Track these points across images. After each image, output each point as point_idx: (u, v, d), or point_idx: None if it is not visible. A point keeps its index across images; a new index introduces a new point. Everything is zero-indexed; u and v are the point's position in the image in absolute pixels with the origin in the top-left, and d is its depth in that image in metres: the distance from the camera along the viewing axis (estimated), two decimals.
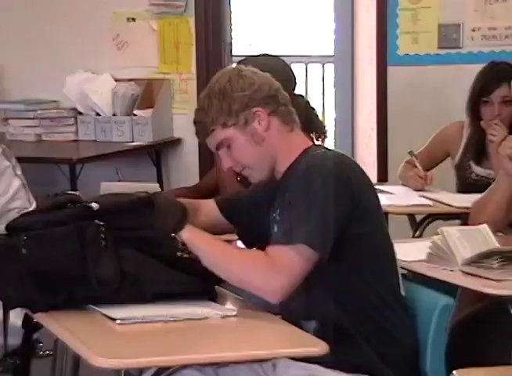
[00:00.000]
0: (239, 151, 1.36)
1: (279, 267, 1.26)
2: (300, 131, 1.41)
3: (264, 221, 1.40)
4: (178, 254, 1.30)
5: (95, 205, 1.31)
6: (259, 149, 1.36)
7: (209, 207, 1.48)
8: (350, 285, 1.30)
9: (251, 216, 1.44)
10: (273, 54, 2.05)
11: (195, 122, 1.39)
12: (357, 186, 1.31)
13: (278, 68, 1.99)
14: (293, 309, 1.32)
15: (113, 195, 1.41)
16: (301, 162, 1.35)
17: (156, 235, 1.31)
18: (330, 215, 1.28)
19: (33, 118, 3.08)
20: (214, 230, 1.40)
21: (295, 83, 1.97)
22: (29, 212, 1.48)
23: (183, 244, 1.32)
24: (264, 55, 2.02)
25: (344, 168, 1.32)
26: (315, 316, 1.32)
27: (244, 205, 1.46)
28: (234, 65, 2.87)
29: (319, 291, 1.31)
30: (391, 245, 1.37)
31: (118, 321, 1.23)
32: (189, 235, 1.29)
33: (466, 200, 2.01)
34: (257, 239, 1.42)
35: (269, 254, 1.27)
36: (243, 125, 1.35)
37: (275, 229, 1.37)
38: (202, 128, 1.38)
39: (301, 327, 1.27)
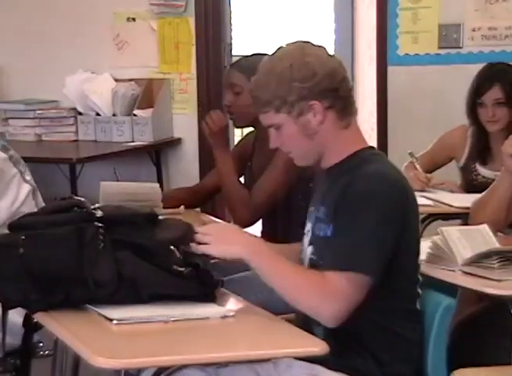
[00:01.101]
0: (288, 139, 1.34)
1: (339, 295, 1.25)
2: (356, 127, 1.36)
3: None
4: (174, 267, 1.30)
5: (99, 212, 1.32)
6: (308, 142, 1.33)
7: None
8: (373, 300, 1.29)
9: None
10: (265, 53, 2.07)
11: (250, 93, 1.36)
12: (407, 212, 1.31)
13: None
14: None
15: (118, 207, 1.43)
16: (353, 169, 1.30)
17: (154, 245, 1.31)
18: (385, 241, 1.27)
19: (33, 118, 3.08)
20: None
21: None
22: (32, 213, 1.48)
23: (183, 256, 1.32)
24: (256, 54, 2.03)
25: (398, 191, 1.30)
26: None
27: None
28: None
29: None
30: (419, 265, 1.36)
31: (115, 321, 1.23)
32: (252, 256, 1.27)
33: (467, 200, 2.00)
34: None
35: (329, 281, 1.25)
36: (297, 116, 1.32)
37: (316, 226, 1.34)
38: (256, 102, 1.35)
39: (312, 333, 1.27)
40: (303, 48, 1.34)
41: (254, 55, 2.05)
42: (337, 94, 1.33)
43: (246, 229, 1.94)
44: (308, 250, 1.38)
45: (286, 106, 1.31)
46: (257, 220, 1.96)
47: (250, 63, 2.01)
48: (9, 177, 1.67)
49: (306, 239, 1.39)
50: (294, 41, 1.38)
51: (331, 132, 1.34)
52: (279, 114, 1.33)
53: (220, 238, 1.31)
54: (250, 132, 2.08)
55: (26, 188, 1.70)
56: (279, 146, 1.37)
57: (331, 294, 1.26)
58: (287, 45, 1.38)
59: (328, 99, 1.32)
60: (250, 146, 2.05)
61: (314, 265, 1.35)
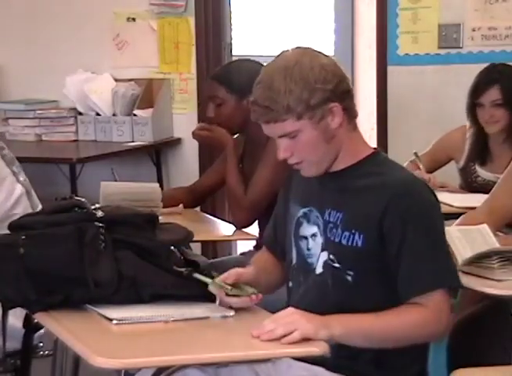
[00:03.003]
0: (306, 146, 1.27)
1: (441, 316, 1.24)
2: (358, 128, 1.34)
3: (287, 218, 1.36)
4: (174, 267, 1.30)
5: (100, 213, 1.31)
6: (326, 146, 1.29)
7: (270, 263, 1.41)
8: (384, 302, 1.27)
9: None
10: (247, 59, 2.08)
11: (256, 103, 1.25)
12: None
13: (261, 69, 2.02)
14: (309, 308, 1.28)
15: (119, 207, 1.42)
16: (377, 175, 1.28)
17: (155, 246, 1.30)
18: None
19: (33, 118, 3.08)
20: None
21: None
22: (33, 213, 1.49)
23: (182, 258, 1.31)
24: (233, 62, 2.05)
25: (435, 197, 1.31)
26: None
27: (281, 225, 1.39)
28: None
29: (348, 304, 1.27)
30: None
31: (115, 321, 1.23)
32: (342, 332, 1.20)
33: (467, 200, 2.01)
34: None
35: (426, 307, 1.23)
36: (318, 121, 1.26)
37: (328, 230, 1.29)
38: (268, 112, 1.25)
39: None
40: (311, 51, 1.30)
41: (230, 63, 2.07)
42: (351, 95, 1.31)
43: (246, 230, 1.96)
44: (323, 255, 1.31)
45: (308, 112, 1.25)
46: (254, 220, 1.96)
47: (229, 73, 2.02)
48: (1, 176, 1.65)
49: (311, 243, 1.33)
50: (294, 47, 1.31)
51: (345, 135, 1.31)
52: (299, 121, 1.26)
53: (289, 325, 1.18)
54: (239, 135, 2.08)
55: (19, 189, 1.68)
56: (288, 157, 1.29)
57: (437, 318, 1.23)
58: (286, 51, 1.30)
59: (345, 101, 1.29)
60: (240, 148, 2.05)
61: (330, 268, 1.30)
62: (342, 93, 1.30)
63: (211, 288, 1.29)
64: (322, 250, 1.32)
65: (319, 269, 1.32)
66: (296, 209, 1.36)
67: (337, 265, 1.30)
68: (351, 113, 1.32)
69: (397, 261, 1.26)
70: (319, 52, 1.31)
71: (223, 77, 2.01)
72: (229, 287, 1.28)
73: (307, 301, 1.32)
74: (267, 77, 1.28)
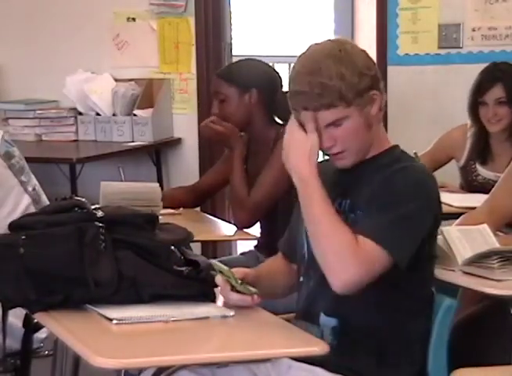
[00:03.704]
0: (351, 133, 1.26)
1: (366, 261, 1.20)
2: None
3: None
4: (175, 267, 1.30)
5: (100, 212, 1.31)
6: (366, 134, 1.28)
7: (280, 269, 1.41)
8: (389, 300, 1.27)
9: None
10: (249, 59, 2.10)
11: (301, 91, 1.22)
12: (439, 211, 1.30)
13: (267, 68, 2.04)
14: (316, 300, 1.29)
15: (119, 208, 1.41)
16: (391, 166, 1.27)
17: (155, 246, 1.30)
18: (418, 232, 1.24)
19: (33, 118, 3.08)
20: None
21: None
22: (33, 213, 1.48)
23: (182, 258, 1.30)
24: (238, 61, 2.07)
25: (436, 190, 1.30)
26: (338, 316, 1.28)
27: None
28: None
29: (356, 294, 1.25)
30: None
31: (115, 321, 1.23)
32: (308, 175, 1.20)
33: (467, 200, 2.00)
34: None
35: (362, 244, 1.20)
36: (363, 107, 1.26)
37: (351, 218, 1.27)
38: (319, 99, 1.22)
39: (312, 320, 1.25)
40: (348, 40, 1.32)
41: (238, 61, 2.09)
42: (383, 86, 1.31)
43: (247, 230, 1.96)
44: None
45: (357, 97, 1.24)
46: (256, 221, 1.96)
47: (232, 69, 2.04)
48: (7, 188, 1.64)
49: None
50: (325, 39, 1.30)
51: (377, 125, 1.31)
52: (349, 107, 1.24)
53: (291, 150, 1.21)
54: (243, 135, 2.08)
55: (26, 200, 1.66)
56: (332, 146, 1.27)
57: (359, 256, 1.19)
58: (317, 44, 1.28)
59: (380, 89, 1.30)
60: (244, 149, 2.05)
61: None
62: (379, 81, 1.30)
63: (218, 279, 1.29)
64: None
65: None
66: None
67: None
68: (383, 104, 1.32)
69: (368, 212, 1.25)
70: (352, 42, 1.33)
71: (226, 72, 2.02)
72: (239, 281, 1.27)
73: (315, 293, 1.32)
74: (312, 63, 1.24)
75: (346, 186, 1.33)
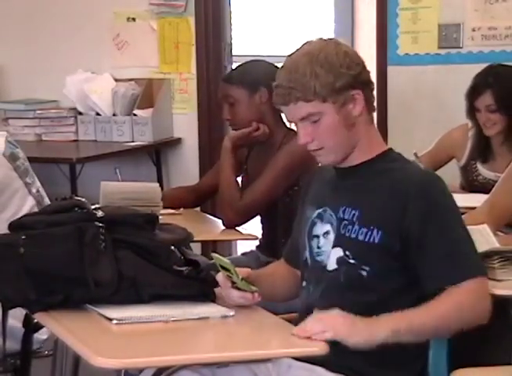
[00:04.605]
0: (328, 130, 1.29)
1: (475, 297, 1.24)
2: (374, 125, 1.35)
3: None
4: (174, 267, 1.30)
5: (100, 212, 1.31)
6: (346, 133, 1.30)
7: (283, 272, 1.42)
8: (390, 302, 1.27)
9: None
10: (254, 60, 2.10)
11: (281, 86, 1.27)
12: None
13: (270, 66, 2.04)
14: (317, 305, 1.30)
15: (119, 208, 1.43)
16: (391, 171, 1.29)
17: (155, 246, 1.30)
18: (469, 236, 1.29)
19: (33, 118, 3.08)
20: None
21: None
22: (33, 213, 1.49)
23: (182, 258, 1.31)
24: (244, 63, 2.06)
25: (447, 188, 1.33)
26: None
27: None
28: (234, 65, 2.88)
29: (358, 299, 1.27)
30: None
31: (115, 321, 1.23)
32: (387, 331, 1.20)
33: (467, 200, 2.00)
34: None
35: (462, 293, 1.23)
36: (340, 105, 1.28)
37: (342, 227, 1.29)
38: (292, 93, 1.26)
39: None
40: (334, 40, 1.33)
41: (241, 64, 2.08)
42: (371, 87, 1.33)
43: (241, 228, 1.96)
44: (334, 251, 1.31)
45: (333, 95, 1.27)
46: (244, 222, 1.96)
47: (237, 71, 2.04)
48: (11, 190, 1.64)
49: (322, 240, 1.33)
50: (317, 38, 1.34)
51: (363, 126, 1.32)
52: (323, 104, 1.27)
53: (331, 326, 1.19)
54: None
55: (30, 201, 1.66)
56: (308, 142, 1.30)
57: (470, 299, 1.24)
58: (309, 42, 1.33)
59: (366, 90, 1.31)
60: (245, 148, 2.05)
61: (345, 264, 1.30)
62: (364, 82, 1.31)
63: (219, 276, 1.29)
64: (334, 246, 1.32)
65: (331, 266, 1.32)
66: (311, 211, 1.38)
67: (352, 261, 1.30)
68: (370, 105, 1.33)
69: (421, 256, 1.27)
70: (342, 43, 1.34)
71: (232, 76, 2.03)
72: (240, 276, 1.27)
73: (316, 297, 1.33)
74: (291, 62, 1.30)
75: (348, 191, 1.33)
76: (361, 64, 1.31)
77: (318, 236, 1.35)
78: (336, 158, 1.33)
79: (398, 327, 1.22)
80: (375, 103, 1.35)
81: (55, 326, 1.25)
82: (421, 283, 1.27)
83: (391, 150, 1.37)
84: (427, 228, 1.26)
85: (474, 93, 2.28)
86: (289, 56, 1.33)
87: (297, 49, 1.33)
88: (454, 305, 1.24)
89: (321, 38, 1.34)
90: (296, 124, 1.33)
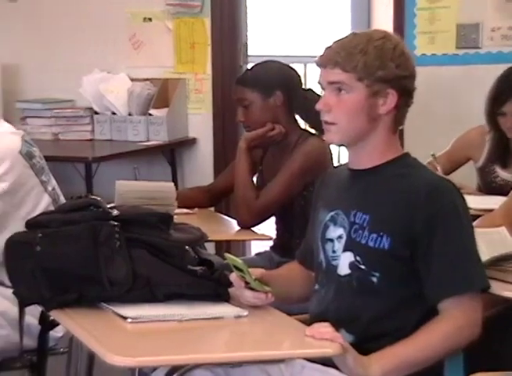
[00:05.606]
0: (348, 107, 1.28)
1: (473, 318, 1.25)
2: (397, 137, 1.35)
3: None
4: (189, 267, 1.30)
5: (115, 211, 1.32)
6: (364, 122, 1.29)
7: (296, 273, 1.43)
8: (404, 309, 1.27)
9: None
10: (265, 61, 2.11)
11: (330, 47, 1.29)
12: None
13: (285, 67, 2.04)
14: (328, 309, 1.30)
15: (134, 207, 1.43)
16: (404, 177, 1.28)
17: (170, 245, 1.31)
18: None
19: (50, 117, 3.10)
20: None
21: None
22: (49, 211, 1.50)
23: (197, 258, 1.31)
24: (257, 65, 2.06)
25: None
26: (353, 332, 1.28)
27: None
28: (249, 65, 2.88)
29: (369, 305, 1.27)
30: None
31: (129, 320, 1.24)
32: (379, 372, 1.20)
33: (484, 203, 1.99)
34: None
35: (457, 313, 1.24)
36: (372, 93, 1.28)
37: (353, 232, 1.29)
38: (335, 57, 1.28)
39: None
40: (400, 39, 1.33)
41: (255, 65, 2.08)
42: (410, 98, 1.33)
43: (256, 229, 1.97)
44: (345, 255, 1.31)
45: (370, 79, 1.27)
46: (259, 223, 1.97)
47: (251, 73, 2.04)
48: (28, 187, 1.65)
49: (336, 245, 1.33)
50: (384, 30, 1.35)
51: (385, 131, 1.32)
52: (357, 82, 1.28)
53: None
54: None
55: (46, 199, 1.67)
56: (325, 109, 1.30)
57: (469, 322, 1.24)
58: (379, 29, 1.37)
59: (403, 97, 1.31)
60: (260, 149, 2.06)
61: (356, 270, 1.30)
62: (404, 88, 1.31)
63: (232, 276, 1.30)
64: (345, 250, 1.32)
65: (342, 270, 1.32)
66: (324, 214, 1.37)
67: (362, 266, 1.30)
68: (400, 115, 1.33)
69: (426, 265, 1.27)
70: (405, 45, 1.35)
71: (246, 78, 2.03)
72: (253, 276, 1.28)
73: (328, 301, 1.33)
74: (352, 35, 1.32)
75: (360, 195, 1.32)
76: (410, 72, 1.31)
77: (332, 240, 1.34)
78: (343, 140, 1.32)
79: (391, 366, 1.22)
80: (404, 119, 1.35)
81: (71, 323, 1.26)
82: (424, 293, 1.26)
83: (407, 154, 1.36)
84: (433, 238, 1.25)
85: (501, 98, 2.25)
86: (363, 31, 1.35)
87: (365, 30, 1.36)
88: (449, 334, 1.24)
89: (389, 32, 1.35)
90: (323, 89, 1.32)
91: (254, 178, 2.07)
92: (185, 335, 1.22)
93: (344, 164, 1.41)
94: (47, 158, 1.79)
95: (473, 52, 2.90)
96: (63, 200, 1.75)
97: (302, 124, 2.09)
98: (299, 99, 1.99)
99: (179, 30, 3.10)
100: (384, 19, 3.15)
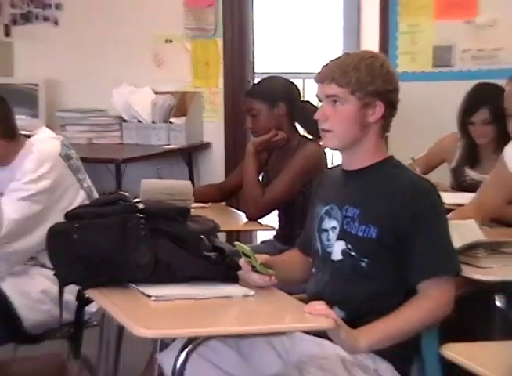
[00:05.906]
0: (342, 117, 1.30)
1: (447, 298, 1.25)
2: (385, 141, 1.35)
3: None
4: (204, 253, 1.30)
5: (141, 205, 1.32)
6: (356, 130, 1.31)
7: (296, 259, 1.43)
8: (393, 289, 1.28)
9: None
10: (271, 76, 2.11)
11: (326, 65, 1.31)
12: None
13: (287, 82, 2.05)
14: (324, 291, 1.30)
15: (157, 201, 1.43)
16: (392, 177, 1.29)
17: (187, 235, 1.31)
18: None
19: (85, 124, 3.12)
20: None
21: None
22: (84, 205, 1.51)
23: (210, 245, 1.31)
24: (264, 79, 2.07)
25: (439, 195, 1.33)
26: (346, 309, 1.28)
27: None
28: (256, 80, 2.88)
29: (361, 286, 1.28)
30: None
31: (153, 298, 1.24)
32: (367, 343, 1.21)
33: (457, 198, 1.98)
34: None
35: (435, 294, 1.24)
36: (363, 105, 1.30)
37: (345, 224, 1.29)
38: (331, 74, 1.30)
39: None
40: (386, 59, 1.35)
41: (262, 80, 2.09)
42: (395, 109, 1.34)
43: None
44: (338, 244, 1.32)
45: (361, 92, 1.29)
46: (264, 215, 1.98)
47: (259, 87, 2.06)
48: (66, 185, 1.66)
49: (331, 234, 1.33)
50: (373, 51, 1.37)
51: (375, 136, 1.33)
52: (350, 95, 1.29)
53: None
54: None
55: (81, 195, 1.69)
56: (322, 119, 1.31)
57: (445, 301, 1.25)
58: (368, 50, 1.37)
59: (389, 108, 1.33)
60: (265, 153, 2.06)
61: (348, 256, 1.30)
62: (390, 101, 1.33)
63: (241, 261, 1.30)
64: (338, 239, 1.33)
65: (335, 257, 1.33)
66: (320, 208, 1.38)
67: (353, 253, 1.31)
68: (386, 123, 1.35)
69: (409, 251, 1.27)
70: (390, 65, 1.36)
71: (254, 91, 2.05)
72: (259, 261, 1.28)
73: (324, 283, 1.33)
74: (346, 55, 1.34)
75: (352, 192, 1.33)
76: (394, 86, 1.33)
77: (327, 231, 1.35)
78: (338, 145, 1.33)
79: (377, 338, 1.22)
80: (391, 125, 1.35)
81: (103, 300, 1.27)
82: (406, 276, 1.27)
83: (391, 157, 1.37)
84: (416, 229, 1.26)
85: (470, 110, 2.25)
86: (355, 51, 1.38)
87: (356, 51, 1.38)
88: (428, 310, 1.25)
89: (377, 52, 1.38)
90: (321, 101, 1.34)
91: (260, 178, 2.08)
92: (201, 311, 1.22)
93: (338, 166, 1.41)
94: (82, 160, 1.80)
95: (446, 70, 2.89)
96: (96, 195, 1.75)
97: (301, 130, 2.09)
98: (299, 110, 2.00)
99: (196, 50, 3.10)
100: (371, 42, 3.15)
